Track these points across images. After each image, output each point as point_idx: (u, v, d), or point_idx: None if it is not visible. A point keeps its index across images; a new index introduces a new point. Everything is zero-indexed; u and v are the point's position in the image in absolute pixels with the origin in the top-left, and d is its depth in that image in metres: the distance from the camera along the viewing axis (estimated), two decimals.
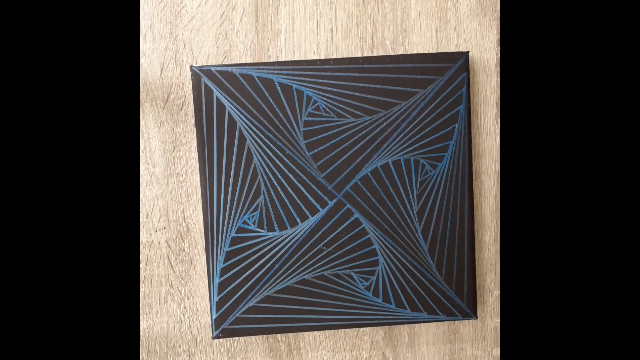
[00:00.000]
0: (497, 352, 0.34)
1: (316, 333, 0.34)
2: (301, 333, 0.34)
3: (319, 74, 0.33)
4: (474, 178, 0.35)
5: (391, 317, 0.34)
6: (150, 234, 0.32)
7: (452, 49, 0.34)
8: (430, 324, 0.35)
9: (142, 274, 0.32)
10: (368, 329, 0.35)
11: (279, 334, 0.34)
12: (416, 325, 0.35)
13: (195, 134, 0.33)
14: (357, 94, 0.33)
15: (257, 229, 0.33)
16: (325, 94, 0.33)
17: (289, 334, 0.34)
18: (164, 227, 0.32)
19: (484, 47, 0.34)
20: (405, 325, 0.35)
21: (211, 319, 0.33)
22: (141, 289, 0.32)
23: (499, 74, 0.34)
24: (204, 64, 0.33)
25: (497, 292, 0.35)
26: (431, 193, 0.34)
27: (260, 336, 0.34)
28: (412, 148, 0.34)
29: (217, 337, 0.33)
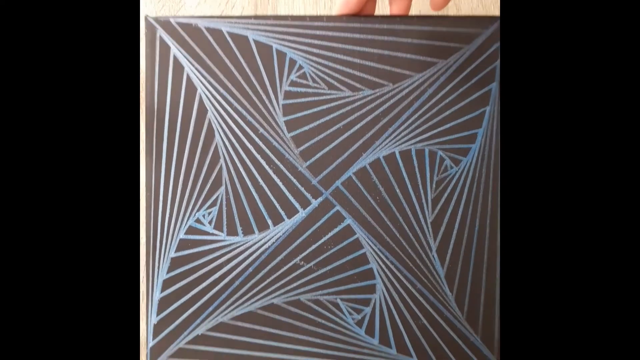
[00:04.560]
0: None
1: None
2: None
3: (307, 32, 0.23)
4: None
5: None
6: None
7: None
8: None
9: (141, 274, 0.29)
10: None
11: None
12: None
13: (144, 100, 0.24)
14: (356, 60, 0.23)
15: (214, 231, 0.24)
16: (314, 58, 0.23)
17: None
18: None
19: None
20: None
21: (147, 347, 0.23)
22: (141, 289, 0.29)
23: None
24: (161, 15, 0.25)
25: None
26: (452, 197, 0.24)
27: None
28: (427, 135, 0.24)
29: None
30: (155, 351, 0.23)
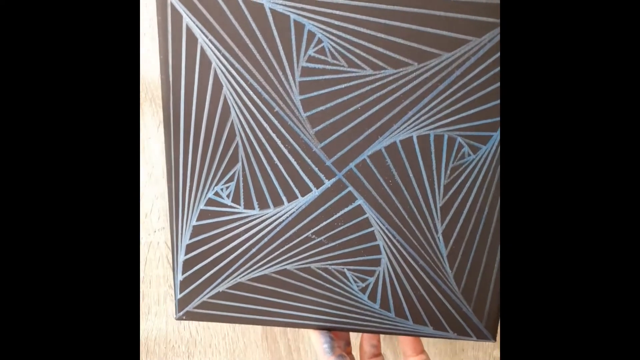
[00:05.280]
0: (497, 353, 0.32)
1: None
2: (301, 335, 0.31)
3: (328, 1, 0.21)
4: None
5: (387, 326, 0.26)
6: (149, 234, 0.30)
7: None
8: None
9: (141, 275, 0.30)
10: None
11: (277, 334, 0.31)
12: None
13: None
14: (381, 35, 0.21)
15: (232, 204, 0.25)
16: (334, 32, 0.22)
17: (289, 334, 0.31)
18: (163, 228, 0.30)
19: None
20: None
21: (175, 299, 0.26)
22: (141, 290, 0.30)
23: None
24: None
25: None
26: (464, 184, 0.23)
27: (260, 337, 0.31)
28: (448, 120, 0.23)
29: (180, 318, 0.27)
30: (183, 303, 0.26)
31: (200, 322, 0.31)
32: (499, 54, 0.21)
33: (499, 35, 0.21)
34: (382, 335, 0.31)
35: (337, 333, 0.27)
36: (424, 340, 0.29)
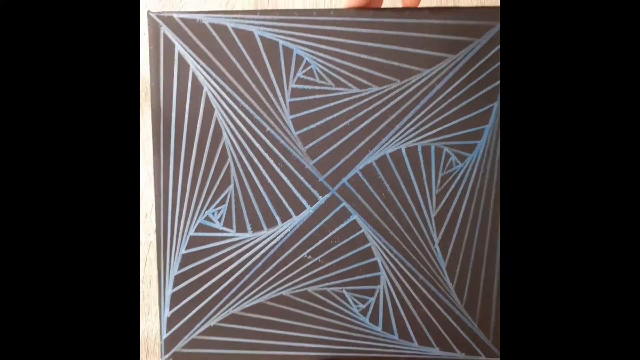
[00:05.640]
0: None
1: None
2: None
3: (314, 27, 0.23)
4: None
5: (392, 349, 0.25)
6: (149, 234, 0.30)
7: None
8: None
9: (141, 275, 0.30)
10: None
11: None
12: None
13: (149, 100, 0.24)
14: (364, 56, 0.23)
15: (224, 228, 0.24)
16: (321, 55, 0.23)
17: None
18: None
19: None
20: None
21: (160, 340, 0.24)
22: (141, 290, 0.30)
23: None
24: (164, 10, 0.24)
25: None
26: (455, 193, 0.24)
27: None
28: (433, 132, 0.23)
29: None
30: (169, 343, 0.23)
31: None
32: (475, 67, 0.22)
33: (473, 51, 0.22)
34: None
35: None
36: None
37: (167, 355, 0.24)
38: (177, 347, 0.24)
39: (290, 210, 0.23)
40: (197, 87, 0.22)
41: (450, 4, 0.26)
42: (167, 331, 0.23)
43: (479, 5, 0.24)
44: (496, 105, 0.23)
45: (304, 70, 0.22)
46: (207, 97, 0.22)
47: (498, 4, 0.25)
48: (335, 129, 0.23)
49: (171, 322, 0.23)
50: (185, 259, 0.23)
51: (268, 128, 0.23)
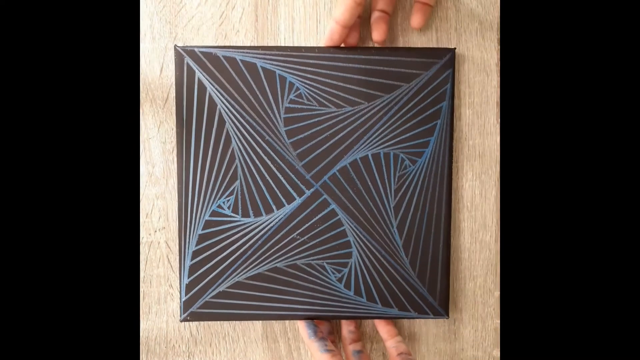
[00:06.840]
0: (497, 352, 0.32)
1: None
2: (301, 335, 0.31)
3: (303, 60, 0.30)
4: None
5: (361, 310, 0.32)
6: (149, 234, 0.30)
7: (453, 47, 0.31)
8: (430, 323, 0.32)
9: (141, 274, 0.30)
10: (368, 328, 0.32)
11: (277, 333, 0.32)
12: (416, 325, 0.32)
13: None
14: (340, 83, 0.30)
15: (232, 214, 0.31)
16: (308, 82, 0.30)
17: (289, 334, 0.32)
18: (164, 227, 0.30)
19: (484, 46, 0.31)
20: (405, 325, 0.32)
21: (180, 302, 0.31)
22: (141, 289, 0.30)
23: (499, 74, 0.31)
24: (188, 44, 0.31)
25: (497, 293, 0.32)
26: (409, 188, 0.31)
27: (260, 337, 0.31)
28: (392, 142, 0.31)
29: (184, 320, 0.31)
30: (187, 304, 0.30)
31: (201, 322, 0.31)
32: (423, 93, 0.30)
33: (422, 81, 0.30)
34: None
35: (319, 322, 0.32)
36: (423, 337, 0.32)
37: (186, 314, 0.30)
38: (194, 308, 0.30)
39: (283, 200, 0.30)
40: (212, 105, 0.29)
41: (401, 44, 0.30)
42: (185, 295, 0.30)
43: (425, 46, 0.32)
44: (439, 122, 0.31)
45: (295, 94, 0.30)
46: (220, 113, 0.29)
47: (441, 45, 0.33)
48: (319, 138, 0.30)
49: (189, 287, 0.30)
50: (202, 238, 0.30)
51: (267, 137, 0.30)
